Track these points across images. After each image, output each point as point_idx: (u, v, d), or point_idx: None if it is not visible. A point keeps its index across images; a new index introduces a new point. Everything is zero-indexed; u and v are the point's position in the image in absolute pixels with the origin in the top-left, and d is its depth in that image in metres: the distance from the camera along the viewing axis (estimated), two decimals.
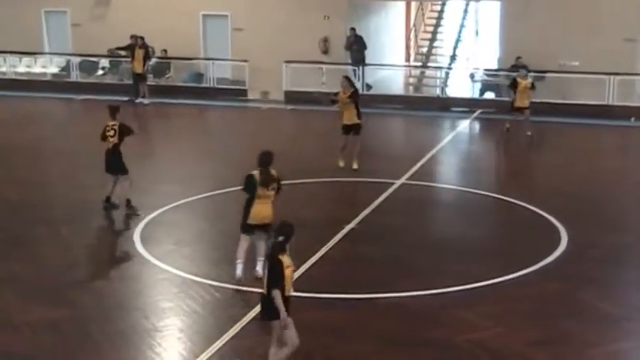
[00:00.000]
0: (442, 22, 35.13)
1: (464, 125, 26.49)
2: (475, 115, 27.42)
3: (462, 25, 32.91)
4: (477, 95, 29.60)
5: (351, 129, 18.96)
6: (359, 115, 18.98)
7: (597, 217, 15.80)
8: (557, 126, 25.65)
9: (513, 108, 23.43)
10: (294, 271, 9.02)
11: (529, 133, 22.97)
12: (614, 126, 25.64)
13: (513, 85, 23.29)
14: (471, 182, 18.50)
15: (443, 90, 30.21)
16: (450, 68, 31.16)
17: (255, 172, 11.45)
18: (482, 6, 35.53)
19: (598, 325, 10.85)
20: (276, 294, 8.51)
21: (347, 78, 19.44)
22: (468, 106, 28.43)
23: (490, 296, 11.66)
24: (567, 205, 16.26)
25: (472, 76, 29.98)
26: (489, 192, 17.28)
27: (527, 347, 10.03)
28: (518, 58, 27.87)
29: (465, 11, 33.17)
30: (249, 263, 11.84)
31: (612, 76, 26.64)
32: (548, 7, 27.97)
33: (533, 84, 23.28)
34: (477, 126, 26.97)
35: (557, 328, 10.58)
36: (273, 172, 11.52)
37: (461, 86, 30.72)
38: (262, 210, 11.56)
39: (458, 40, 32.38)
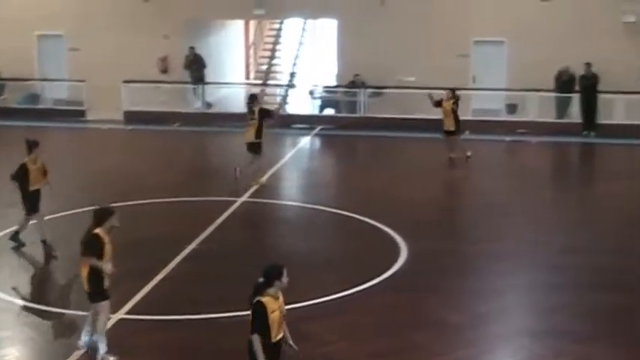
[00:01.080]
0: (280, 39, 35.39)
1: (305, 142, 26.70)
2: (315, 131, 27.70)
3: (301, 43, 33.23)
4: (317, 112, 29.92)
5: (249, 147, 19.30)
6: (258, 134, 19.20)
7: (436, 227, 16.19)
8: (397, 140, 26.23)
9: (444, 132, 22.96)
10: (283, 314, 8.17)
11: (469, 154, 22.63)
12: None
13: (438, 105, 22.82)
14: (312, 198, 18.62)
15: (283, 107, 30.38)
16: (289, 85, 31.38)
17: (100, 231, 9.83)
18: (320, 23, 35.98)
19: (442, 334, 11.06)
20: (255, 339, 7.85)
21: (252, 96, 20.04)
22: (308, 122, 28.69)
23: (335, 310, 11.73)
24: (406, 217, 16.59)
25: (312, 92, 30.28)
26: (331, 207, 17.41)
27: (372, 359, 10.13)
28: (356, 75, 28.41)
29: (303, 29, 33.51)
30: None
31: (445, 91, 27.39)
32: (383, 24, 28.57)
33: (454, 105, 22.65)
34: (317, 142, 27.25)
35: (401, 338, 10.72)
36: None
37: (301, 103, 30.98)
38: None
39: (296, 58, 32.67)
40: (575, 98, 27.46)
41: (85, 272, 9.75)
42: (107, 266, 9.65)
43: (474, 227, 16.49)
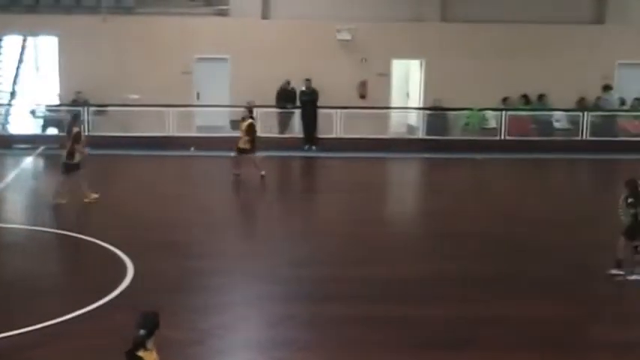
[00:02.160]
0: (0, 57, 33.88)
1: (27, 162, 25.77)
2: (39, 151, 26.81)
3: (21, 61, 31.99)
4: (39, 131, 28.95)
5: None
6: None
7: (163, 245, 16.16)
8: (122, 158, 25.95)
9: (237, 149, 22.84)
10: None
11: (262, 173, 22.60)
12: (175, 156, 26.45)
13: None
14: (37, 220, 18.02)
15: (4, 127, 29.17)
16: (10, 105, 30.14)
17: None
18: (40, 41, 34.80)
19: (167, 352, 11.04)
20: None
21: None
22: (30, 142, 27.70)
23: (63, 334, 11.40)
24: (131, 235, 16.44)
25: (33, 112, 29.28)
26: (56, 229, 16.96)
27: None
28: (78, 92, 27.84)
29: (23, 47, 32.27)
30: None
31: (171, 108, 27.53)
32: (105, 41, 28.17)
33: (249, 126, 22.76)
34: (41, 162, 26.38)
35: None
36: None
37: (22, 122, 29.85)
38: None
39: (17, 76, 31.42)
40: (297, 113, 28.41)
41: None
42: None
43: (200, 244, 16.59)
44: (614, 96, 29.87)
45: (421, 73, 29.95)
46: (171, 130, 27.79)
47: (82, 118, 24.75)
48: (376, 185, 23.73)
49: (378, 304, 12.94)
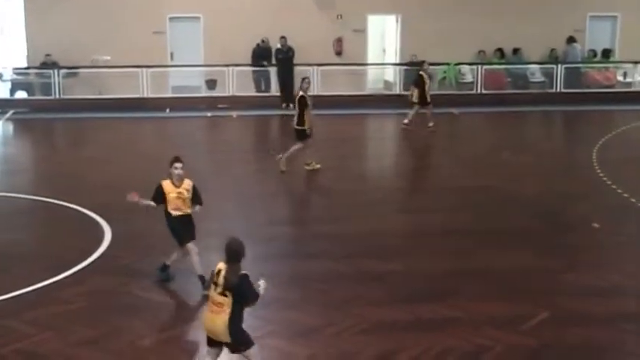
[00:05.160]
0: None
1: None
2: (8, 115, 26.43)
3: None
4: (7, 95, 28.52)
5: None
6: None
7: (139, 208, 15.97)
8: (95, 121, 25.65)
9: None
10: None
11: None
12: (151, 117, 26.18)
13: None
14: (8, 185, 17.74)
15: None
16: None
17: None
18: (4, 2, 34.23)
19: (147, 314, 10.96)
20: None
21: None
22: None
23: (37, 301, 11.23)
24: (108, 201, 16.21)
25: (0, 75, 28.83)
26: (29, 194, 16.71)
27: (78, 347, 9.81)
28: (47, 55, 27.45)
29: None
30: None
31: (145, 69, 27.18)
32: (74, 2, 27.73)
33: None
34: (10, 127, 26.02)
35: (108, 323, 10.47)
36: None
37: None
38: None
39: None
40: (273, 71, 28.16)
41: None
42: None
43: None
44: (577, 48, 29.87)
45: (397, 28, 29.74)
46: (146, 92, 27.47)
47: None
48: (354, 142, 23.63)
49: (360, 260, 12.88)
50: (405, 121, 23.77)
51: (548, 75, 29.41)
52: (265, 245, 13.57)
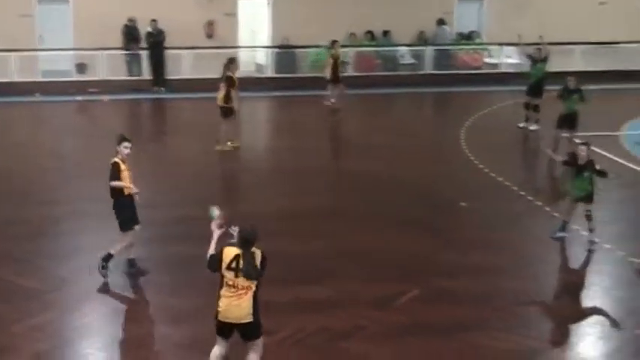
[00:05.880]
0: None
1: None
2: None
3: None
4: None
5: None
6: None
7: (11, 193, 15.73)
8: None
9: None
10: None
11: None
12: (20, 102, 25.59)
13: None
14: None
15: None
16: None
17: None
18: None
19: (20, 300, 10.87)
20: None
21: None
22: None
23: None
24: None
25: None
26: None
27: None
28: None
29: None
30: None
31: (13, 53, 26.50)
32: None
33: None
34: None
35: None
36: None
37: None
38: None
39: None
40: (144, 55, 27.88)
41: None
42: None
43: (53, 190, 16.23)
44: (446, 30, 30.65)
45: (268, 11, 29.82)
46: (14, 76, 26.79)
47: None
48: None
49: None
50: (332, 100, 24.42)
51: (418, 57, 30.04)
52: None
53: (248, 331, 8.50)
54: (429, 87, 28.57)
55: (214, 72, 20.37)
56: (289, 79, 28.54)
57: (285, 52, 29.11)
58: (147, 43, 27.64)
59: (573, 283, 12.60)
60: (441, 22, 30.42)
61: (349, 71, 28.52)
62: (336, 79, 24.43)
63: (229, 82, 19.25)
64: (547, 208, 15.30)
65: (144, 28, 27.54)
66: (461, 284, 11.70)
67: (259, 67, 30.10)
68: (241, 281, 8.32)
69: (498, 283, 12.00)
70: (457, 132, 21.34)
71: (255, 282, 8.40)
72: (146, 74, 27.92)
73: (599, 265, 13.12)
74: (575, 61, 28.88)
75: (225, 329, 8.54)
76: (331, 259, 12.51)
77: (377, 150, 19.79)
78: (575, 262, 13.42)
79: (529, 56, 22.57)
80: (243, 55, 29.31)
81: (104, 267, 11.64)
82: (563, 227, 13.79)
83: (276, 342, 9.83)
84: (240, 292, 8.33)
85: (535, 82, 21.88)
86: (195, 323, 10.14)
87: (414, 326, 10.38)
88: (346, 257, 12.61)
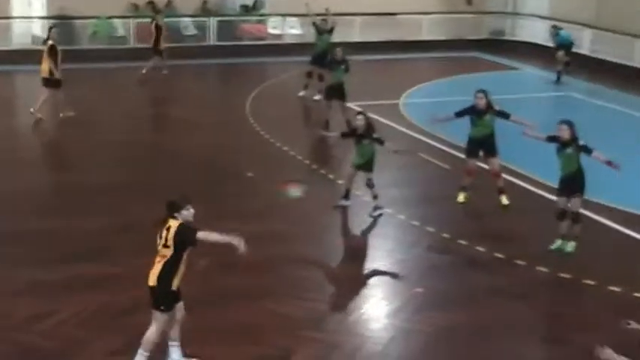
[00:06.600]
0: None
1: None
2: None
3: None
4: None
5: None
6: None
7: None
8: None
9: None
10: None
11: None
12: None
13: None
14: None
15: None
16: None
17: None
18: None
19: None
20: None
21: None
22: None
23: None
24: None
25: None
26: None
27: None
28: None
29: None
30: None
31: None
32: None
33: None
34: None
35: None
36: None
37: None
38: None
39: None
40: None
41: None
42: None
43: None
44: (230, 1, 30.59)
45: None
46: None
47: None
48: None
49: (10, 219, 12.47)
50: (164, 72, 24.51)
51: (202, 28, 29.70)
52: None
53: (152, 297, 8.67)
54: (213, 58, 28.34)
55: None
56: (67, 51, 27.44)
57: (62, 23, 27.95)
58: None
59: (357, 247, 12.89)
60: None
61: (131, 43, 27.88)
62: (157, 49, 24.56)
63: (52, 52, 18.86)
64: (331, 176, 15.53)
65: None
66: (253, 251, 11.63)
67: (35, 39, 28.80)
68: (160, 249, 8.61)
69: (282, 250, 12.07)
70: (242, 103, 21.30)
71: (171, 252, 8.54)
72: None
73: (381, 229, 13.44)
74: (355, 32, 29.49)
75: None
76: (109, 235, 12.24)
77: (160, 121, 19.51)
78: (358, 228, 13.68)
79: (315, 26, 22.73)
80: (17, 27, 28.02)
81: None
82: (347, 195, 14.02)
83: (59, 322, 9.54)
84: (158, 258, 8.63)
85: (321, 52, 22.10)
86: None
87: (204, 294, 10.25)
88: (123, 232, 12.35)
